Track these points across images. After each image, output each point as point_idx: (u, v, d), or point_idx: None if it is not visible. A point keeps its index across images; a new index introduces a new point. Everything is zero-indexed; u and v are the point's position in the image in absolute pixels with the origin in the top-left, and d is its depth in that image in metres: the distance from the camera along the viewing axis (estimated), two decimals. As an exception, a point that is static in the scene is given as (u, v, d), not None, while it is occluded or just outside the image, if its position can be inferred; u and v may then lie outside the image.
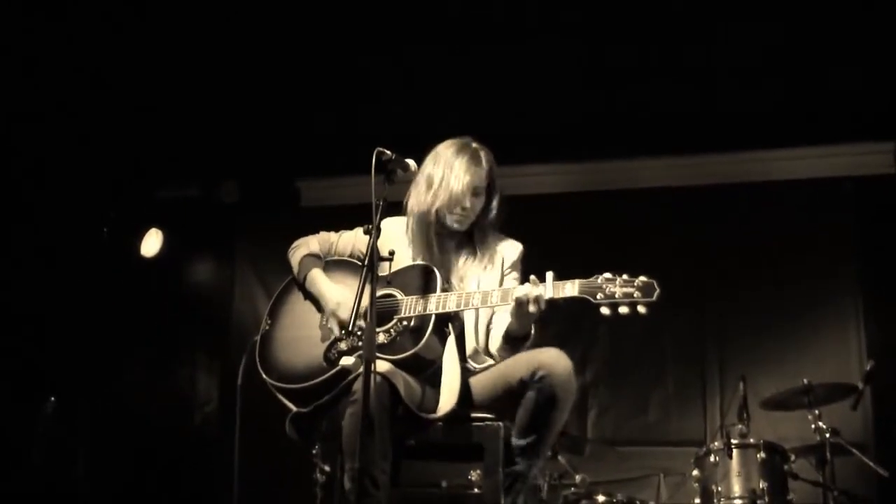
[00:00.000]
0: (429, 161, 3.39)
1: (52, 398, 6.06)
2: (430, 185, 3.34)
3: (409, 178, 3.30)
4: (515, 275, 3.41)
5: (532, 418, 3.06)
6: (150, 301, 6.76)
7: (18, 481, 5.93)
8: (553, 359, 3.05)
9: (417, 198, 3.38)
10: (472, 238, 3.44)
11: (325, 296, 3.33)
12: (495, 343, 3.27)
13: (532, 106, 6.03)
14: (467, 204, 3.32)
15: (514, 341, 3.19)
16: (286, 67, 5.77)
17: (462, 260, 3.41)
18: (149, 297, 6.76)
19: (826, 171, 6.23)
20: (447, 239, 3.43)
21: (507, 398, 3.14)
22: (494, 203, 3.41)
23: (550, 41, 5.47)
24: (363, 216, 3.08)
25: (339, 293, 3.30)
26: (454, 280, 3.36)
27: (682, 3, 5.10)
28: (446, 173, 3.31)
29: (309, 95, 6.02)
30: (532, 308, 2.97)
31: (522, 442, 3.09)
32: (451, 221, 3.36)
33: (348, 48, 5.55)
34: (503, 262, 3.42)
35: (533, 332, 3.16)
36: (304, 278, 3.42)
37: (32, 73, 5.61)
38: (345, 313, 3.20)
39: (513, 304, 3.02)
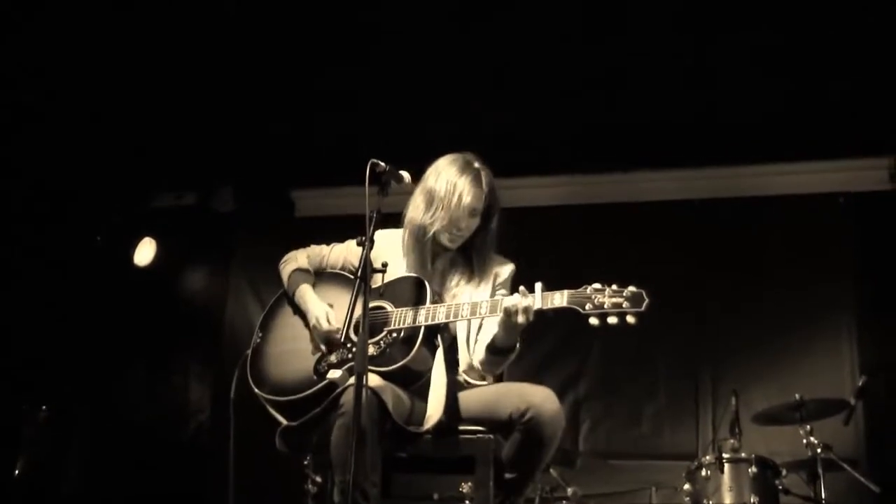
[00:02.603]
0: (430, 176, 3.35)
1: (44, 407, 6.04)
2: (429, 202, 3.32)
3: (403, 190, 3.28)
4: (504, 291, 3.39)
5: (517, 456, 3.09)
6: (143, 310, 6.74)
7: (4, 492, 5.89)
8: (542, 401, 3.04)
9: (416, 213, 3.36)
10: (466, 256, 3.43)
11: (310, 311, 3.32)
12: (478, 355, 3.26)
13: (529, 117, 6.03)
14: (463, 225, 3.32)
15: (498, 352, 3.18)
16: (282, 77, 5.77)
17: (455, 278, 3.40)
18: (142, 305, 6.74)
19: (821, 187, 6.25)
20: (441, 255, 3.43)
21: (492, 427, 3.15)
22: (493, 224, 3.40)
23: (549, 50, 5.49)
24: (357, 227, 3.07)
25: (322, 309, 3.29)
26: (446, 297, 3.34)
27: (681, 8, 5.09)
28: (448, 193, 3.28)
29: (304, 106, 6.02)
30: (521, 318, 2.96)
31: (507, 475, 3.12)
32: (445, 240, 3.36)
33: (342, 58, 5.55)
34: (495, 279, 3.41)
35: (518, 345, 3.16)
36: (294, 293, 3.42)
37: (27, 81, 5.61)
38: (325, 328, 3.21)
39: (501, 314, 3.01)
